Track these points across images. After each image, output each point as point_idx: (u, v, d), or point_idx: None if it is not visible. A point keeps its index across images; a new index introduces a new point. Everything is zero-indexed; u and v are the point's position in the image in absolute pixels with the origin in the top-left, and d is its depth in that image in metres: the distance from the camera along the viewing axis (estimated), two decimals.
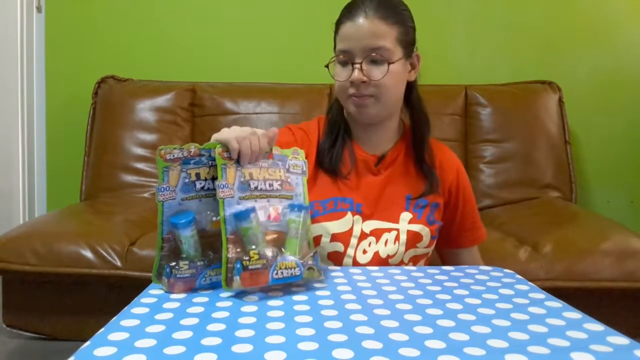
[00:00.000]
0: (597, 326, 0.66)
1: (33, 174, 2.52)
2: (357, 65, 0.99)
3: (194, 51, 2.53)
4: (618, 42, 2.50)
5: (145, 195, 2.24)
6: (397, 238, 1.05)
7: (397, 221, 1.06)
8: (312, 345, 0.59)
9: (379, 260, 1.04)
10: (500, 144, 2.30)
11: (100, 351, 0.58)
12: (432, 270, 0.94)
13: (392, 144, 1.11)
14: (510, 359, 0.57)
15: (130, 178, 2.26)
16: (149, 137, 2.31)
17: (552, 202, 2.17)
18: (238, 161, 0.81)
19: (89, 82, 2.38)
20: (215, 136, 0.83)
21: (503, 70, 2.50)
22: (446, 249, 1.18)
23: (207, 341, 0.60)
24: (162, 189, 0.79)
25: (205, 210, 0.81)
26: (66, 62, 2.53)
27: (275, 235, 0.80)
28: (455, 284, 0.86)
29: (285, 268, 0.77)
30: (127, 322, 0.66)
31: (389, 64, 0.99)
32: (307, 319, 0.68)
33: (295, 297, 0.77)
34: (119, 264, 1.67)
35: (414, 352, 0.58)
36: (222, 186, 0.78)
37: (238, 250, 0.76)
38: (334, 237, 1.04)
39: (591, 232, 1.78)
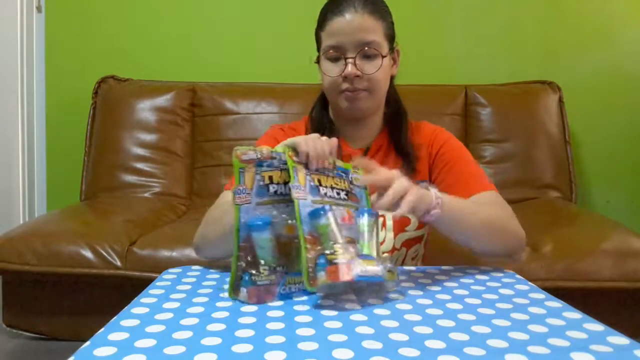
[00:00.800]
0: (597, 326, 0.66)
1: (33, 173, 2.52)
2: (351, 60, 0.99)
3: (194, 51, 2.53)
4: (618, 43, 2.50)
5: (146, 195, 2.24)
6: (383, 224, 1.06)
7: None
8: (312, 345, 0.59)
9: None
10: (500, 144, 2.30)
11: (100, 351, 0.58)
12: (432, 270, 0.95)
13: (376, 135, 1.12)
14: (510, 359, 0.57)
15: (130, 178, 2.26)
16: (149, 137, 2.31)
17: (552, 202, 2.17)
18: (306, 166, 0.80)
19: (89, 82, 2.38)
20: (282, 143, 0.83)
21: (503, 70, 2.50)
22: None
23: (207, 341, 0.60)
24: (240, 191, 0.76)
25: (279, 215, 0.78)
26: (66, 62, 2.53)
27: (348, 239, 0.76)
28: (455, 284, 0.86)
29: (368, 266, 0.72)
30: (127, 322, 0.66)
31: (382, 57, 1.00)
32: (307, 319, 0.68)
33: (295, 298, 0.77)
34: (119, 264, 1.67)
35: (414, 352, 0.58)
36: (295, 187, 0.76)
37: (318, 248, 0.73)
38: None
39: (591, 232, 1.78)
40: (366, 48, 0.99)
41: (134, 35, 2.52)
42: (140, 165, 2.28)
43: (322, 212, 0.74)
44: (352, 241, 0.75)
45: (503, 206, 1.00)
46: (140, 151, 2.29)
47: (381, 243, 1.05)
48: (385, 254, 0.84)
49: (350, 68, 0.99)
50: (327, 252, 0.71)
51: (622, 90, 2.51)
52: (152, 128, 2.32)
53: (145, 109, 2.33)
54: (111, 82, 2.39)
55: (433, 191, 0.84)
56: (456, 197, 0.91)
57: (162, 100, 2.34)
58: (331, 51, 1.01)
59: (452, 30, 2.53)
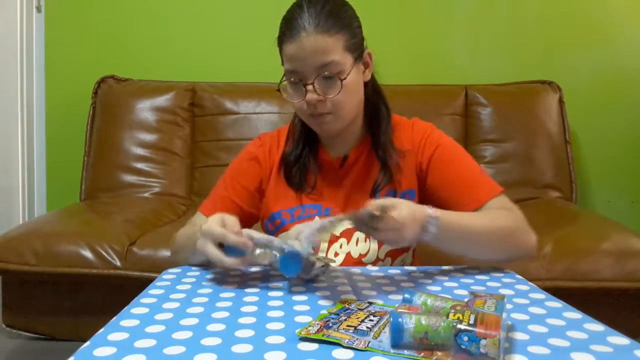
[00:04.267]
0: (597, 326, 0.66)
1: (33, 173, 2.52)
2: (310, 87, 0.94)
3: (194, 51, 2.53)
4: (618, 42, 2.50)
5: (146, 195, 2.24)
6: (367, 236, 1.01)
7: None
8: (312, 346, 0.59)
9: (351, 261, 1.03)
10: (500, 144, 2.30)
11: (100, 351, 0.58)
12: (432, 270, 0.94)
13: (356, 143, 1.07)
14: (511, 359, 0.57)
15: (130, 178, 2.26)
16: (149, 137, 2.31)
17: (552, 202, 2.17)
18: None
19: (88, 82, 2.38)
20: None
21: (503, 70, 2.50)
22: None
23: (207, 341, 0.60)
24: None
25: None
26: (66, 62, 2.53)
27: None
28: (456, 284, 0.86)
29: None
30: (126, 322, 0.66)
31: (341, 80, 0.94)
32: (307, 319, 0.68)
33: (295, 297, 0.77)
34: (118, 264, 1.67)
35: (414, 352, 0.58)
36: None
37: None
38: None
39: (591, 232, 1.78)
40: (325, 72, 0.93)
41: (134, 35, 2.52)
42: (140, 165, 2.28)
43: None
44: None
45: (510, 213, 0.97)
46: (140, 151, 2.29)
47: (364, 254, 1.03)
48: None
49: (310, 95, 0.94)
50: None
51: (622, 90, 2.51)
52: (152, 128, 2.32)
53: (145, 109, 2.33)
54: (111, 82, 2.39)
55: (428, 210, 0.85)
56: (452, 212, 0.91)
57: (162, 100, 2.35)
58: (291, 78, 0.97)
59: (452, 30, 2.53)
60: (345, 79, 0.94)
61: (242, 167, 1.11)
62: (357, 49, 0.98)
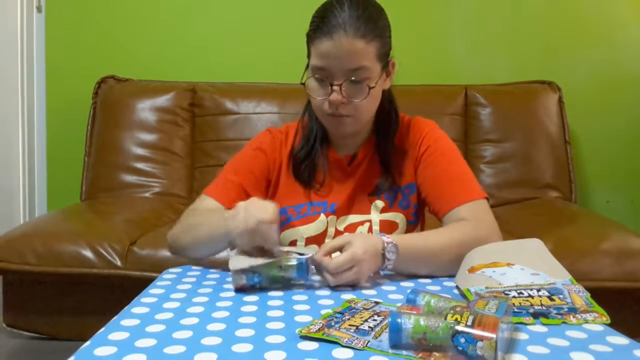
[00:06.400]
0: (596, 326, 0.67)
1: (33, 174, 2.52)
2: (337, 88, 0.94)
3: (194, 51, 2.53)
4: (618, 42, 2.50)
5: (146, 195, 2.24)
6: (369, 230, 1.04)
7: (369, 212, 1.05)
8: (312, 345, 0.60)
9: None
10: (500, 144, 2.30)
11: (101, 351, 0.58)
12: None
13: (363, 142, 1.08)
14: (510, 359, 0.57)
15: (130, 178, 2.26)
16: (149, 137, 2.31)
17: (552, 202, 2.17)
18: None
19: (89, 82, 2.38)
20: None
21: (503, 70, 2.50)
22: (439, 218, 1.04)
23: (207, 341, 0.61)
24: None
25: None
26: (66, 62, 2.53)
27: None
28: (454, 284, 0.86)
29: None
30: (127, 322, 0.67)
31: (369, 88, 0.94)
32: (307, 318, 0.68)
33: (295, 297, 0.78)
34: (119, 263, 1.67)
35: (413, 352, 0.58)
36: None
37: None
38: (308, 241, 1.05)
39: (591, 232, 1.78)
40: (353, 77, 0.93)
41: (134, 35, 2.53)
42: (140, 165, 2.28)
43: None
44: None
45: (474, 224, 0.95)
46: (140, 151, 2.29)
47: None
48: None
49: (335, 96, 0.94)
50: None
51: (622, 90, 2.51)
52: (152, 128, 2.32)
53: (145, 109, 2.33)
54: (111, 82, 2.39)
55: (384, 238, 0.86)
56: (408, 234, 0.92)
57: (162, 100, 2.35)
58: (317, 74, 0.96)
59: (452, 30, 2.54)
60: (374, 87, 0.95)
61: (251, 155, 1.10)
62: (385, 58, 0.99)
